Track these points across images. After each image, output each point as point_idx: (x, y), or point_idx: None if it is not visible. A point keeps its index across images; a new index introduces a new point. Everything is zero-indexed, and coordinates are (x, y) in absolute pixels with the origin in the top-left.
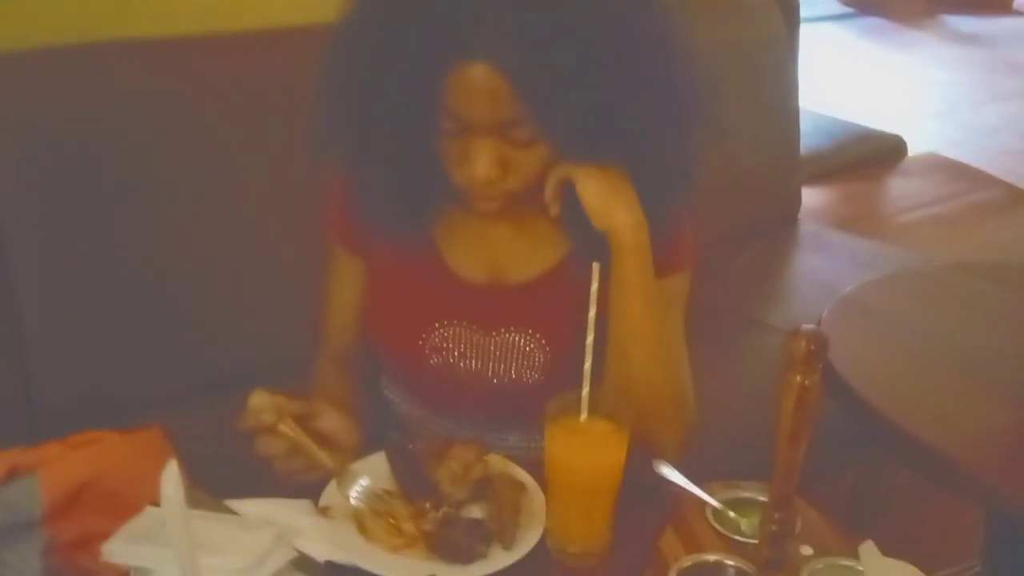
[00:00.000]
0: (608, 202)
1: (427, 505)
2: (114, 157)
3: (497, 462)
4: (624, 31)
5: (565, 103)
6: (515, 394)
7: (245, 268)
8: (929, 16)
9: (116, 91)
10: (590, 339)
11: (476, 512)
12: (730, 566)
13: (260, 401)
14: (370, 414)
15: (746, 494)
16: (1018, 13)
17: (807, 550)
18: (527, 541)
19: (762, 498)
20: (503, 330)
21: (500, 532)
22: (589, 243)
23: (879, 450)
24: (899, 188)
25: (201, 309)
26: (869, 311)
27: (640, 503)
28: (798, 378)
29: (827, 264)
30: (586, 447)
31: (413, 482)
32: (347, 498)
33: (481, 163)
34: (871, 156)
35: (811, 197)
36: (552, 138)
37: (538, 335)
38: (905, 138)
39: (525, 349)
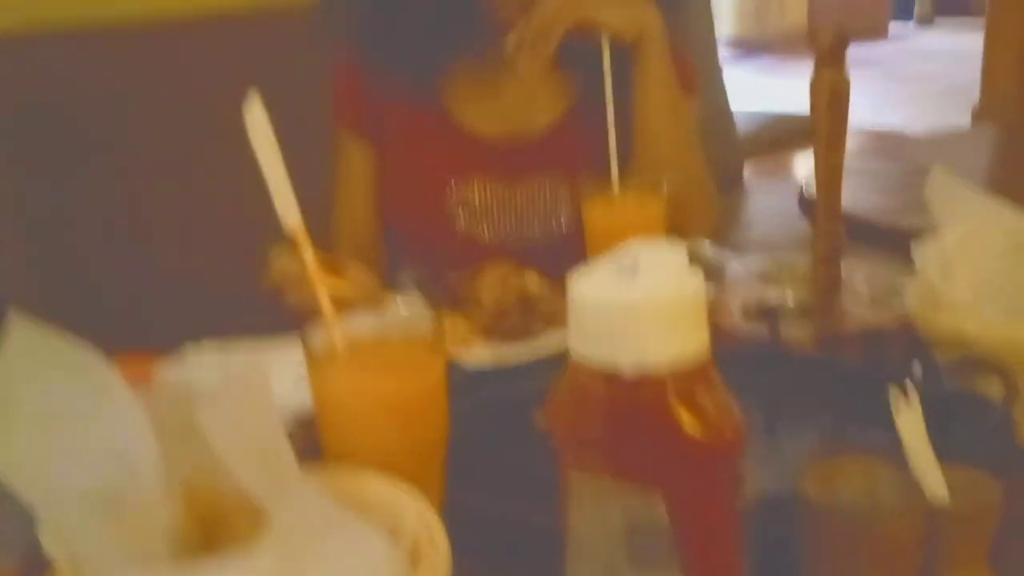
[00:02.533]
0: (628, 11)
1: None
2: (89, 131)
3: (533, 279)
4: None
5: None
6: (546, 252)
7: (220, 234)
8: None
9: (90, 72)
10: (610, 111)
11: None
12: (790, 301)
13: (283, 254)
14: None
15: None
16: (893, 39)
17: (858, 277)
18: None
19: (802, 260)
20: (526, 179)
21: (553, 313)
22: (595, 88)
23: None
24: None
25: (171, 269)
26: None
27: None
28: (827, 74)
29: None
30: (623, 215)
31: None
32: None
33: None
34: (795, 136)
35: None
36: None
37: (562, 178)
38: None
39: (551, 196)
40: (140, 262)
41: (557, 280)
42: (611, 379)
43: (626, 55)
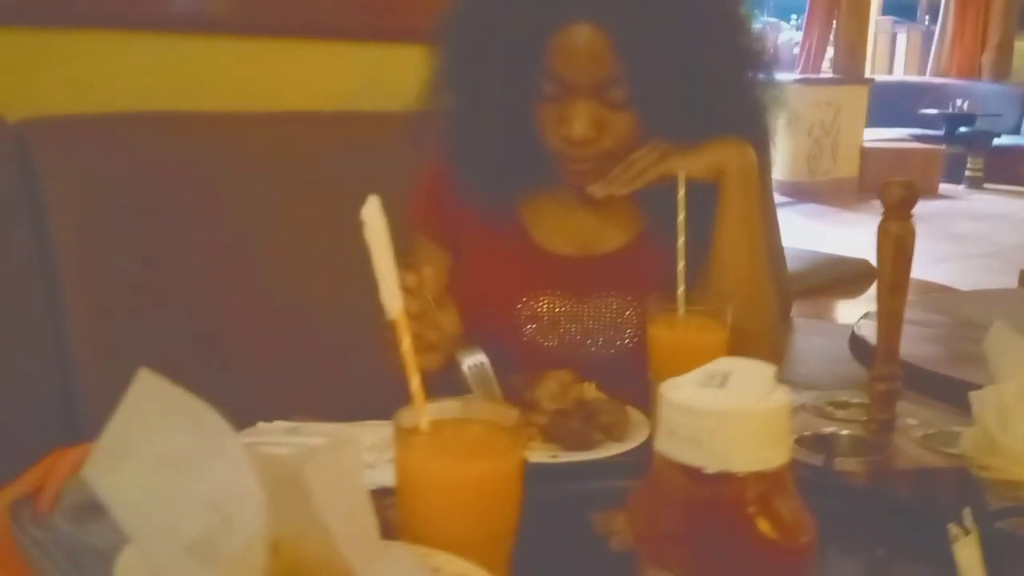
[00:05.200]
0: (706, 158)
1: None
2: (166, 213)
3: (591, 389)
4: (712, 4)
5: (657, 63)
6: (608, 365)
7: (288, 317)
8: (861, 201)
9: (173, 156)
10: (681, 241)
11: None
12: (844, 435)
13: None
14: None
15: (840, 398)
16: (943, 196)
17: (912, 420)
18: (639, 434)
19: (855, 400)
20: (595, 297)
21: (612, 424)
22: (666, 219)
23: None
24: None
25: (245, 355)
26: None
27: None
28: (894, 226)
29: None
30: (686, 336)
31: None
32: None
33: (579, 121)
34: (843, 278)
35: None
36: (643, 98)
37: (629, 298)
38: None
39: (617, 314)
40: (221, 344)
41: (616, 394)
42: (694, 477)
43: (704, 186)
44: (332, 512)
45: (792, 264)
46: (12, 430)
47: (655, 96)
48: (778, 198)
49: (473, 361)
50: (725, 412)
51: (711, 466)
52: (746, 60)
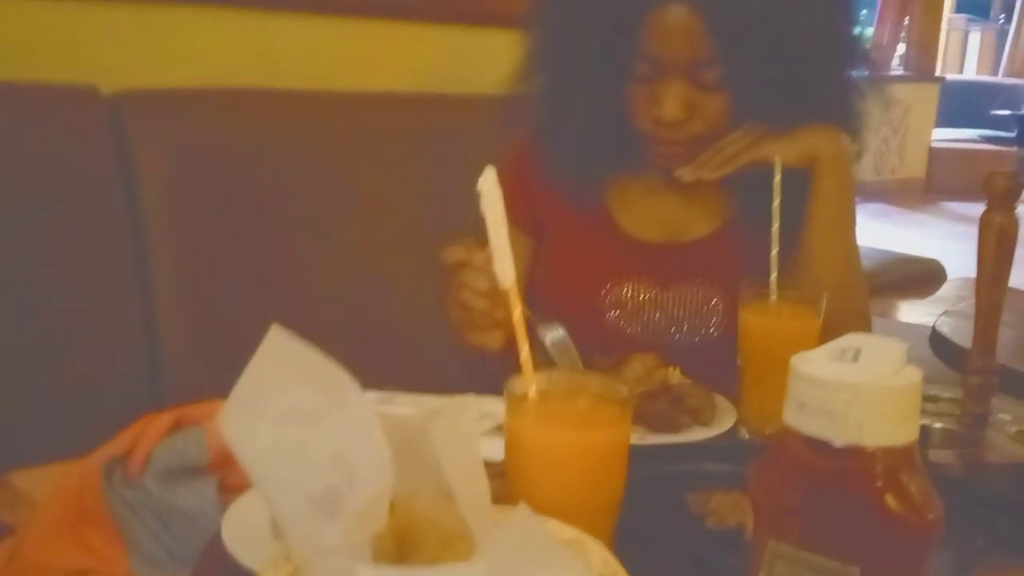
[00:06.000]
0: (800, 144)
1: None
2: (252, 186)
3: (676, 374)
4: None
5: (752, 44)
6: (691, 353)
7: (365, 293)
8: (928, 202)
9: (259, 131)
10: (775, 226)
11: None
12: (937, 428)
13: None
14: None
15: (931, 392)
16: None
17: (1005, 416)
18: (725, 420)
19: (946, 394)
20: (680, 284)
21: (699, 408)
22: (755, 206)
23: None
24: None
25: (323, 328)
26: None
27: None
28: (998, 217)
29: None
30: (779, 322)
31: None
32: None
33: (671, 101)
34: (913, 278)
35: None
36: (736, 81)
37: (715, 286)
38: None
39: (702, 302)
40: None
41: (700, 382)
42: (822, 451)
43: (795, 172)
44: (455, 472)
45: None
46: (102, 394)
47: (749, 79)
48: None
49: (555, 335)
50: (859, 385)
51: (841, 439)
52: (842, 47)
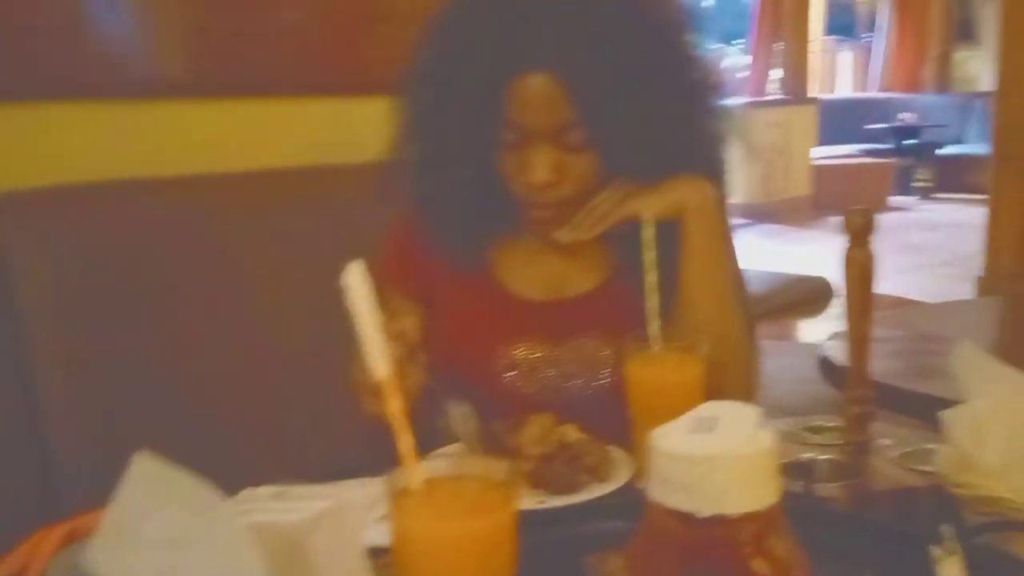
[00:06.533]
0: (665, 197)
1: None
2: (139, 279)
3: (573, 431)
4: (661, 42)
5: (611, 105)
6: (587, 404)
7: (266, 373)
8: (816, 218)
9: (142, 222)
10: (651, 279)
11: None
12: (823, 460)
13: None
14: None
15: (815, 423)
16: (895, 208)
17: (886, 440)
18: (623, 473)
19: (829, 423)
20: (570, 339)
21: (596, 466)
22: (635, 259)
23: None
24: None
25: (223, 415)
26: None
27: None
28: (858, 253)
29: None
30: (663, 372)
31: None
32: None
33: (539, 166)
34: (803, 298)
35: None
36: (600, 142)
37: (606, 338)
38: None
39: (594, 353)
40: (196, 408)
41: (597, 433)
42: (689, 523)
43: (670, 223)
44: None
45: (752, 287)
46: None
47: (612, 138)
48: (735, 220)
49: (460, 410)
50: (715, 457)
51: (704, 510)
52: (697, 94)
